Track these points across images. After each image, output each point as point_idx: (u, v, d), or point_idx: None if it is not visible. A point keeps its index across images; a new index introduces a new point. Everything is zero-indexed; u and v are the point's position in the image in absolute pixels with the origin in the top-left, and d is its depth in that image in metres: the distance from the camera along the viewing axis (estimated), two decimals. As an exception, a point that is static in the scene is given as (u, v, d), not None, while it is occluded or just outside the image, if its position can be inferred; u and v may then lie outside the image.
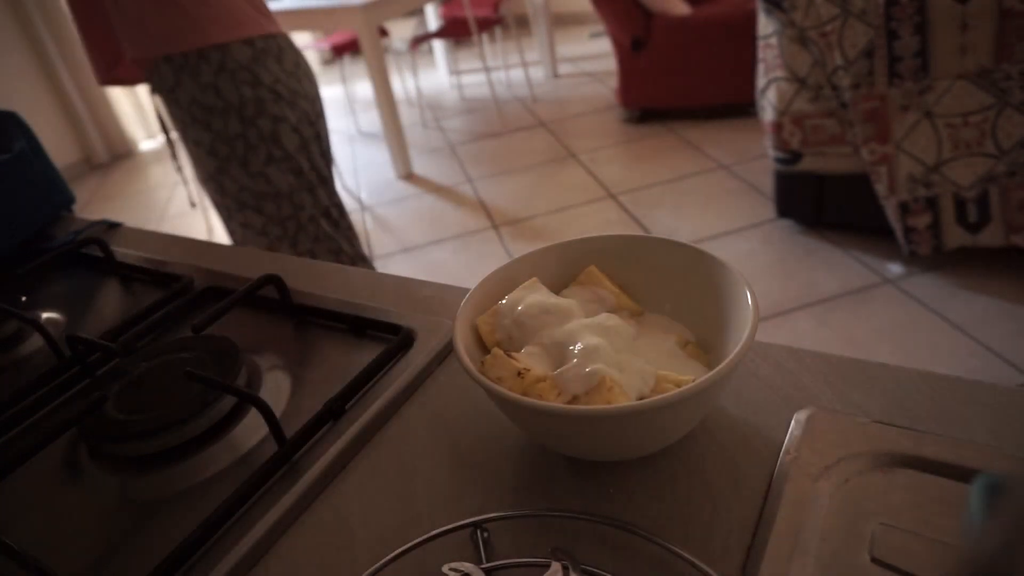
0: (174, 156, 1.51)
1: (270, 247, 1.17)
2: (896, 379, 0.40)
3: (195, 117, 1.05)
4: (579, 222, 2.47)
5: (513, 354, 0.39)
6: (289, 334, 0.57)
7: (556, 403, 0.36)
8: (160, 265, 0.73)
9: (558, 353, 0.39)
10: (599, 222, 2.43)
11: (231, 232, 1.21)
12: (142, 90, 4.48)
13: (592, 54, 4.43)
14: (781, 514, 0.32)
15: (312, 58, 5.71)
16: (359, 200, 3.01)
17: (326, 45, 3.77)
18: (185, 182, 1.96)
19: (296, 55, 1.12)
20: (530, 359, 0.39)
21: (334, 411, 0.45)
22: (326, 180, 1.19)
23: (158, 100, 1.12)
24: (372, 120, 4.00)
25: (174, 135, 1.19)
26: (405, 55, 4.77)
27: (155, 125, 4.66)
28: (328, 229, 1.19)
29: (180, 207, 3.42)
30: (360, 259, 1.28)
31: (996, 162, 1.61)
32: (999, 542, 0.14)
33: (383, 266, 2.43)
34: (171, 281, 0.69)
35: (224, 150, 1.07)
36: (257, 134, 1.06)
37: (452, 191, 2.93)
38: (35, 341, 0.65)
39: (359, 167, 3.41)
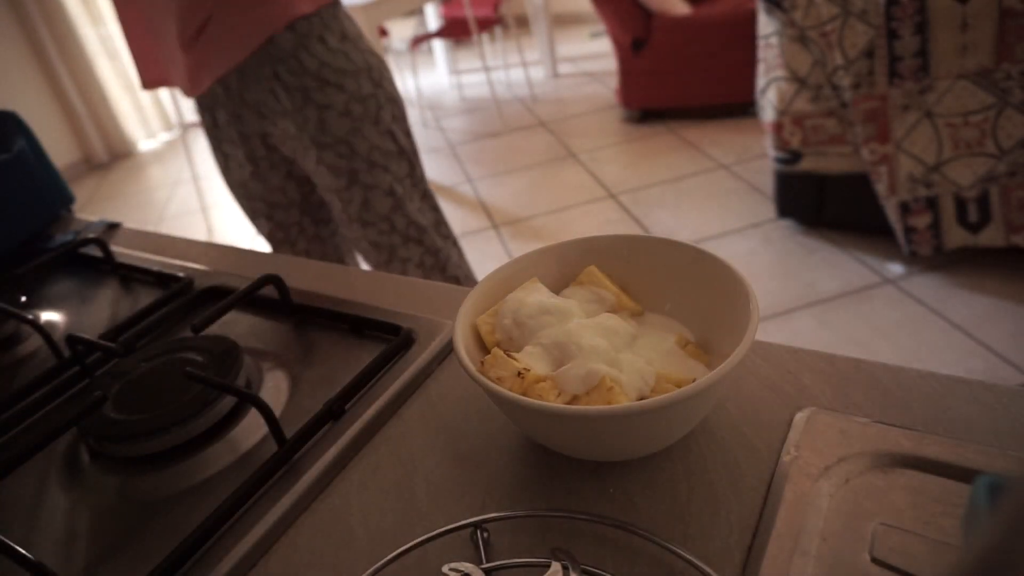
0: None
1: (289, 243, 1.16)
2: (896, 379, 0.40)
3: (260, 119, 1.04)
4: (579, 222, 2.47)
5: (513, 354, 0.39)
6: (289, 334, 0.57)
7: (556, 403, 0.36)
8: (160, 265, 0.73)
9: (558, 353, 0.39)
10: (599, 222, 2.43)
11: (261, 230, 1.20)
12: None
13: (592, 54, 4.43)
14: (781, 514, 0.32)
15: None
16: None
17: (326, 45, 3.76)
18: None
19: (342, 25, 1.05)
20: (530, 359, 0.39)
21: (334, 411, 0.45)
22: (401, 154, 1.10)
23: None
24: (372, 120, 3.99)
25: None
26: (405, 55, 4.77)
27: (155, 125, 4.66)
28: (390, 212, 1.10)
29: (180, 207, 3.43)
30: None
31: (996, 162, 1.61)
32: (999, 542, 0.14)
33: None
34: (171, 281, 0.69)
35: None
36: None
37: (452, 191, 2.93)
38: (35, 341, 0.65)
39: (359, 167, 3.40)
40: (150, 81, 1.12)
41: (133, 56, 1.09)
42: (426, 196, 1.15)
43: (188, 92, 1.05)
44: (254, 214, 1.16)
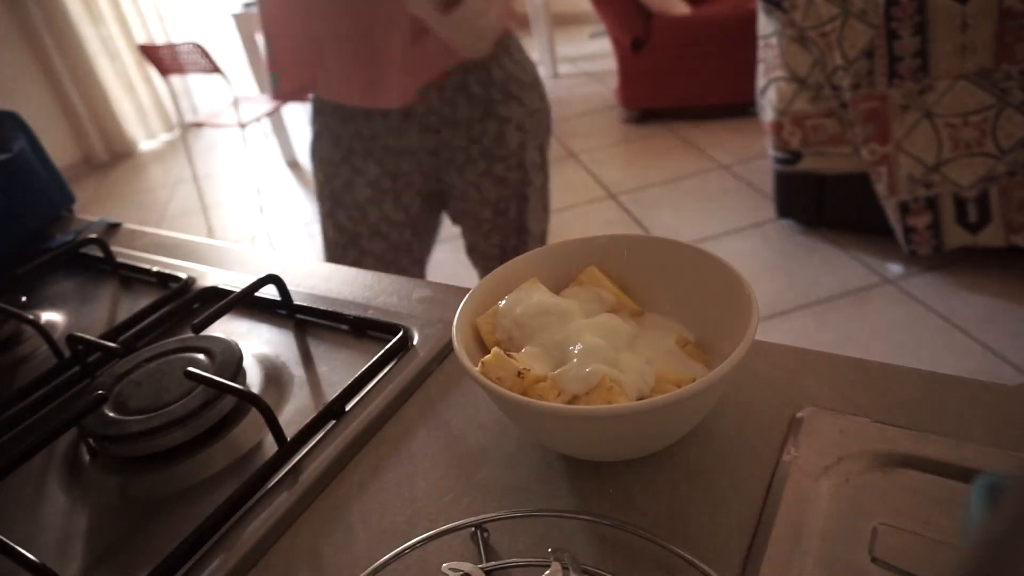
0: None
1: (393, 262, 1.12)
2: (896, 379, 0.40)
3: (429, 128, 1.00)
4: (579, 222, 2.47)
5: (513, 354, 0.39)
6: (289, 334, 0.57)
7: (556, 403, 0.36)
8: (160, 265, 0.73)
9: (558, 353, 0.39)
10: (599, 222, 2.43)
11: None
12: (142, 89, 4.48)
13: (592, 54, 4.43)
14: (781, 514, 0.32)
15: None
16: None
17: (326, 45, 3.75)
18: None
19: (516, 35, 1.04)
20: (530, 359, 0.39)
21: (334, 411, 0.45)
22: (542, 166, 1.11)
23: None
24: (372, 120, 3.99)
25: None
26: (405, 55, 4.75)
27: (155, 125, 4.65)
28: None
29: (180, 207, 3.43)
30: None
31: (996, 162, 1.61)
32: (999, 542, 0.14)
33: (383, 266, 2.43)
34: (171, 281, 0.69)
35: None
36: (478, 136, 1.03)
37: (452, 191, 2.92)
38: (35, 341, 0.65)
39: (359, 167, 3.40)
40: (290, 92, 1.06)
41: (277, 65, 1.02)
42: (546, 208, 1.15)
43: (391, 102, 0.97)
44: (355, 238, 1.07)
